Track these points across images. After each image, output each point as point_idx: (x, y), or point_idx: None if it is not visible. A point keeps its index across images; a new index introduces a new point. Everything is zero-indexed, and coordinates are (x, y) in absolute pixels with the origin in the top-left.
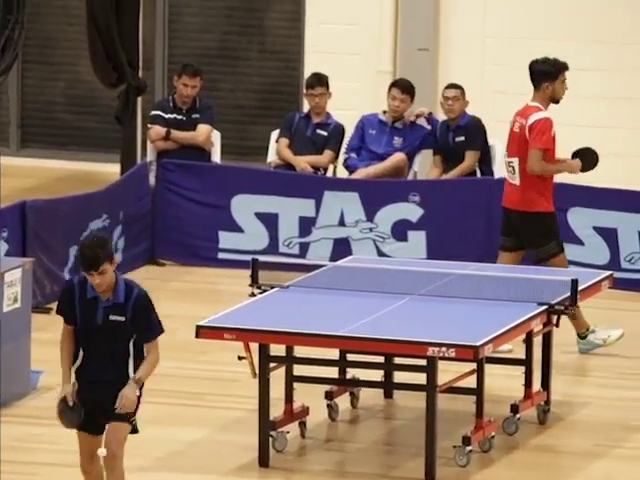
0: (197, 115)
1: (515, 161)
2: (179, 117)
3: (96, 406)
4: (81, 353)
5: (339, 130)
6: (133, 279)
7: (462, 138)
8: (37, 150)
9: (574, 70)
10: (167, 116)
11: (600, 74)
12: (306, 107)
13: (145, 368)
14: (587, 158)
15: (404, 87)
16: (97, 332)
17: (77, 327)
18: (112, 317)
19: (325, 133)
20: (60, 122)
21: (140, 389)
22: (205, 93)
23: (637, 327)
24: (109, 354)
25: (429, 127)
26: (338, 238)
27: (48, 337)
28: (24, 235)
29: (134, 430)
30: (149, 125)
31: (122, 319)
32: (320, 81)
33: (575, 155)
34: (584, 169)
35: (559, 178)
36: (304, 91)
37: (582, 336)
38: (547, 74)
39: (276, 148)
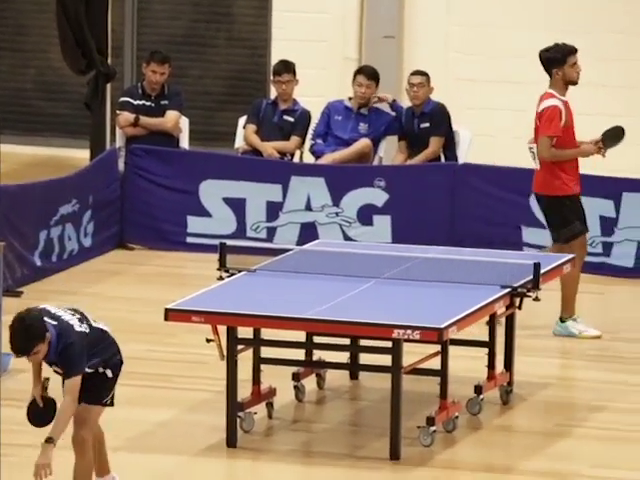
0: (166, 102)
1: (534, 147)
2: (148, 103)
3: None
4: None
5: (305, 116)
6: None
7: (427, 124)
8: (8, 136)
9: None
10: (136, 102)
11: None
12: (273, 94)
13: (55, 424)
14: (610, 136)
15: (369, 74)
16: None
17: None
18: (56, 368)
19: (292, 119)
20: (30, 108)
21: (115, 372)
22: (173, 80)
23: (597, 309)
24: None
25: (393, 113)
26: (305, 222)
27: None
28: None
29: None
30: (118, 112)
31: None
32: (287, 68)
33: (603, 135)
34: (606, 146)
35: (522, 164)
36: (271, 78)
37: (563, 320)
38: (554, 60)
39: (243, 134)
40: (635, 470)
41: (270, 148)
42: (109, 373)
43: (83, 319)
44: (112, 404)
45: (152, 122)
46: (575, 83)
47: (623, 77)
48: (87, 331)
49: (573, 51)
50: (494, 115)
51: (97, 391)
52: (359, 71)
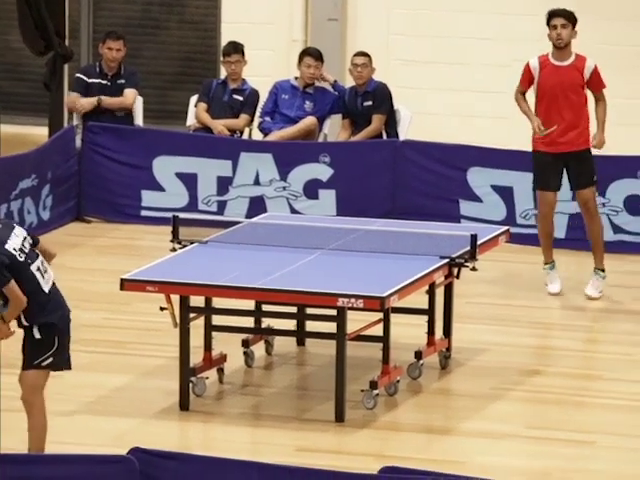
0: (122, 81)
1: None
2: (104, 82)
3: None
4: None
5: (254, 95)
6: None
7: (369, 103)
8: None
9: (476, 40)
10: (90, 81)
11: (493, 42)
12: (223, 74)
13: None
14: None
15: (316, 55)
16: None
17: None
18: None
19: (241, 98)
20: None
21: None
22: (128, 60)
23: (531, 279)
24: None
25: (336, 93)
26: (253, 196)
27: None
28: None
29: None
30: (70, 93)
31: None
32: (236, 49)
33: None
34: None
35: (459, 141)
36: (221, 59)
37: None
38: (546, 21)
39: (195, 112)
40: (565, 430)
41: (220, 125)
42: (36, 333)
43: (30, 258)
44: (55, 368)
45: (113, 101)
46: (555, 46)
47: None
48: (20, 259)
49: (552, 14)
50: (433, 95)
51: (29, 354)
52: (306, 53)
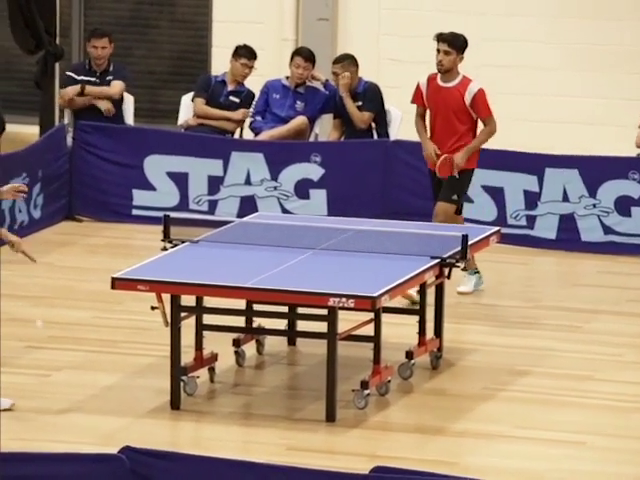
0: (110, 77)
1: None
2: (92, 79)
3: None
4: None
5: (250, 96)
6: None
7: (360, 103)
8: None
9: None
10: (79, 78)
11: (488, 44)
12: (217, 71)
13: None
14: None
15: (306, 55)
16: None
17: None
18: None
19: (237, 100)
20: None
21: None
22: (119, 59)
23: (522, 278)
24: None
25: (327, 92)
26: (244, 196)
27: None
28: None
29: None
30: (60, 91)
31: None
32: (254, 55)
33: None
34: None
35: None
36: (234, 58)
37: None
38: None
39: (194, 107)
40: (554, 431)
41: (223, 112)
42: None
43: None
44: None
45: (97, 90)
46: (438, 70)
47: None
48: None
49: (438, 38)
50: None
51: None
52: (297, 53)
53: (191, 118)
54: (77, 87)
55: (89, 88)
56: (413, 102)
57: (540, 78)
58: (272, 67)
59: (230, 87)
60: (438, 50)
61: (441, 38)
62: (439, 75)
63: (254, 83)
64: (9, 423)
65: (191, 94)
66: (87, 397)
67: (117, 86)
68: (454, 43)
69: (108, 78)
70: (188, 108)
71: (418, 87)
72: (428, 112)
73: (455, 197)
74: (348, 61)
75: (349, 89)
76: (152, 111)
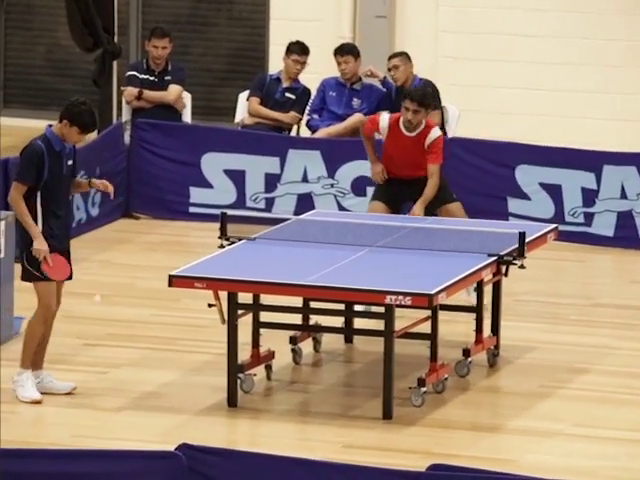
0: (169, 77)
1: None
2: (151, 78)
3: None
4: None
5: (306, 93)
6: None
7: None
8: (18, 110)
9: (523, 37)
10: (141, 76)
11: (539, 40)
12: (273, 70)
13: None
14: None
15: (345, 50)
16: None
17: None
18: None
19: (293, 96)
20: (40, 84)
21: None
22: (176, 57)
23: (580, 276)
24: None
25: (384, 89)
26: (301, 193)
27: (29, 286)
28: (6, 190)
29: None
30: (122, 88)
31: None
32: (305, 51)
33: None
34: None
35: (507, 138)
36: (287, 55)
37: None
38: None
39: (248, 106)
40: (612, 429)
41: (274, 113)
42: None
43: None
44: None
45: (154, 95)
46: (406, 127)
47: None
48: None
49: (406, 95)
50: (481, 91)
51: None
52: (335, 51)
53: (247, 117)
54: (135, 91)
55: (147, 93)
56: (366, 131)
57: (606, 75)
58: (329, 65)
59: (285, 84)
60: (407, 108)
61: (409, 97)
62: (402, 122)
63: (311, 81)
64: (67, 421)
65: (248, 92)
66: (144, 394)
67: (174, 93)
68: (423, 102)
69: (166, 78)
70: (245, 106)
71: (377, 124)
72: (383, 141)
73: (454, 194)
74: (403, 57)
75: (404, 85)
76: (209, 109)
